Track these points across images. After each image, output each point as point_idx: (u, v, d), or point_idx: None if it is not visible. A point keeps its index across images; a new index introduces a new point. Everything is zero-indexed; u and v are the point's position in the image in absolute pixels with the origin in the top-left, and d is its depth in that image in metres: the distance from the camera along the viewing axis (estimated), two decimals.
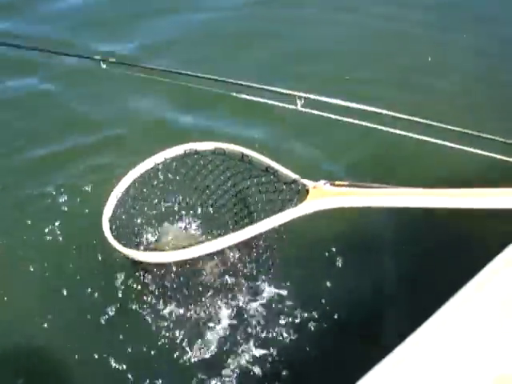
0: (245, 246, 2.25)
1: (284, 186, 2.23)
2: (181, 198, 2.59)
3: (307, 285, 2.58)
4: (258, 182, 2.34)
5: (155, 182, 2.44)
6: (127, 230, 2.34)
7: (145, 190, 2.42)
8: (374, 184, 2.06)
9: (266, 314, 2.44)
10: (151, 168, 2.40)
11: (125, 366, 2.31)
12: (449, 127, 2.02)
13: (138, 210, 2.44)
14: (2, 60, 4.17)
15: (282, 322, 2.42)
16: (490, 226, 2.64)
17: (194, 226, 2.63)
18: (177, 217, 2.63)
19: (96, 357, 2.34)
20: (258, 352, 2.33)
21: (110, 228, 2.12)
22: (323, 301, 2.49)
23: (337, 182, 2.10)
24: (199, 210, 2.62)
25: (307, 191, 2.09)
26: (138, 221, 2.50)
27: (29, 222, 2.94)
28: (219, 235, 2.29)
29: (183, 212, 2.63)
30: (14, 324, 2.51)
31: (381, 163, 3.09)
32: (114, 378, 2.29)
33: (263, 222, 2.02)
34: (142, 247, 2.44)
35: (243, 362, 2.30)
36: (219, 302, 2.42)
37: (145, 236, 2.53)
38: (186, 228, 2.61)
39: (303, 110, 2.13)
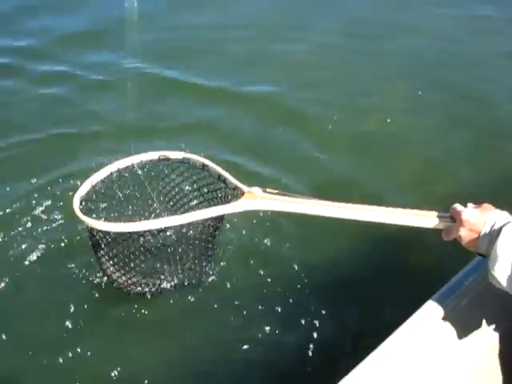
0: None
1: (229, 191, 2.67)
2: (149, 194, 3.06)
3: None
4: (213, 187, 2.81)
5: (128, 179, 2.91)
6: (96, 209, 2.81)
7: (119, 182, 2.89)
8: (300, 194, 2.47)
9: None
10: (127, 166, 2.88)
11: None
12: None
13: (109, 197, 2.91)
14: None
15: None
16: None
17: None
18: (141, 210, 3.10)
19: None
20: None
21: (80, 204, 2.60)
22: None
23: (268, 190, 2.51)
24: (161, 206, 3.07)
25: (243, 194, 2.52)
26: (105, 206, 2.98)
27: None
28: None
29: (147, 206, 3.09)
30: None
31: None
32: None
33: (200, 212, 2.47)
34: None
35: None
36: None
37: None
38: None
39: None
